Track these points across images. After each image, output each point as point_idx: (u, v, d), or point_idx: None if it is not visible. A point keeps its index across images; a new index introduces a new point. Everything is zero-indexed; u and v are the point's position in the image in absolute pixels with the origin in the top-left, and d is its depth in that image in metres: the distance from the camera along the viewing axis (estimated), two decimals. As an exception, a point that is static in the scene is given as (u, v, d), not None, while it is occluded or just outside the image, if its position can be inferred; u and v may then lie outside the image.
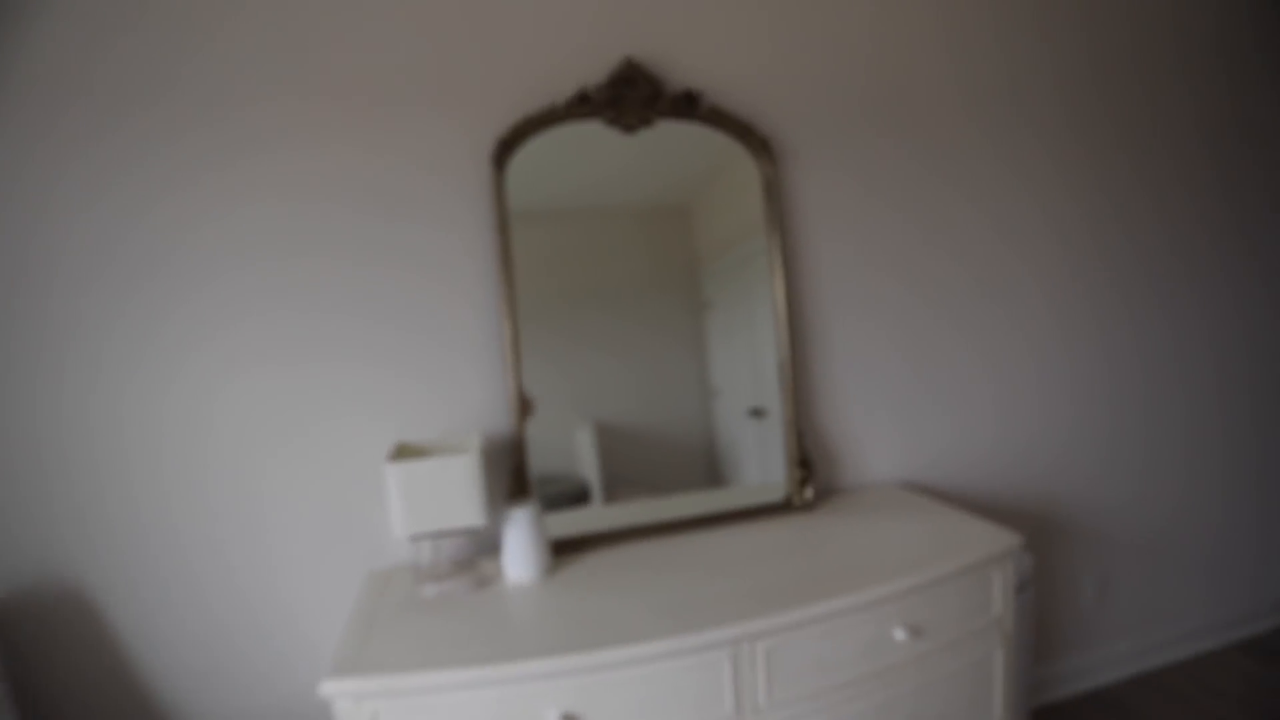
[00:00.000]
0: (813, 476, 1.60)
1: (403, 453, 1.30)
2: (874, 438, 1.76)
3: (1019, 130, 1.85)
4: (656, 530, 1.50)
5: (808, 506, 1.59)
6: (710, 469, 1.60)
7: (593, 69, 1.47)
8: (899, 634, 1.20)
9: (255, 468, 1.36)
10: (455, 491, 1.20)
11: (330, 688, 0.98)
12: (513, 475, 1.42)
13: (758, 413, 1.62)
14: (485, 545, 1.41)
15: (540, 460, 1.45)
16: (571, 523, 1.45)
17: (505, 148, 1.40)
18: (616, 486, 1.52)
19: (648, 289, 1.56)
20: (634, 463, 1.54)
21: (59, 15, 1.21)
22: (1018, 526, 1.89)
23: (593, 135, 1.47)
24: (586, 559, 1.40)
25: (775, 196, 1.58)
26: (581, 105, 1.44)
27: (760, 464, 1.62)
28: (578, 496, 1.51)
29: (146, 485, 1.32)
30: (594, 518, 1.48)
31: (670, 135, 1.51)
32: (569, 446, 1.51)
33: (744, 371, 1.63)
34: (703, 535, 1.49)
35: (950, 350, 1.83)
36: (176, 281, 1.31)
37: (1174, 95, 2.03)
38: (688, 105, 1.50)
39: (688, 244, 1.58)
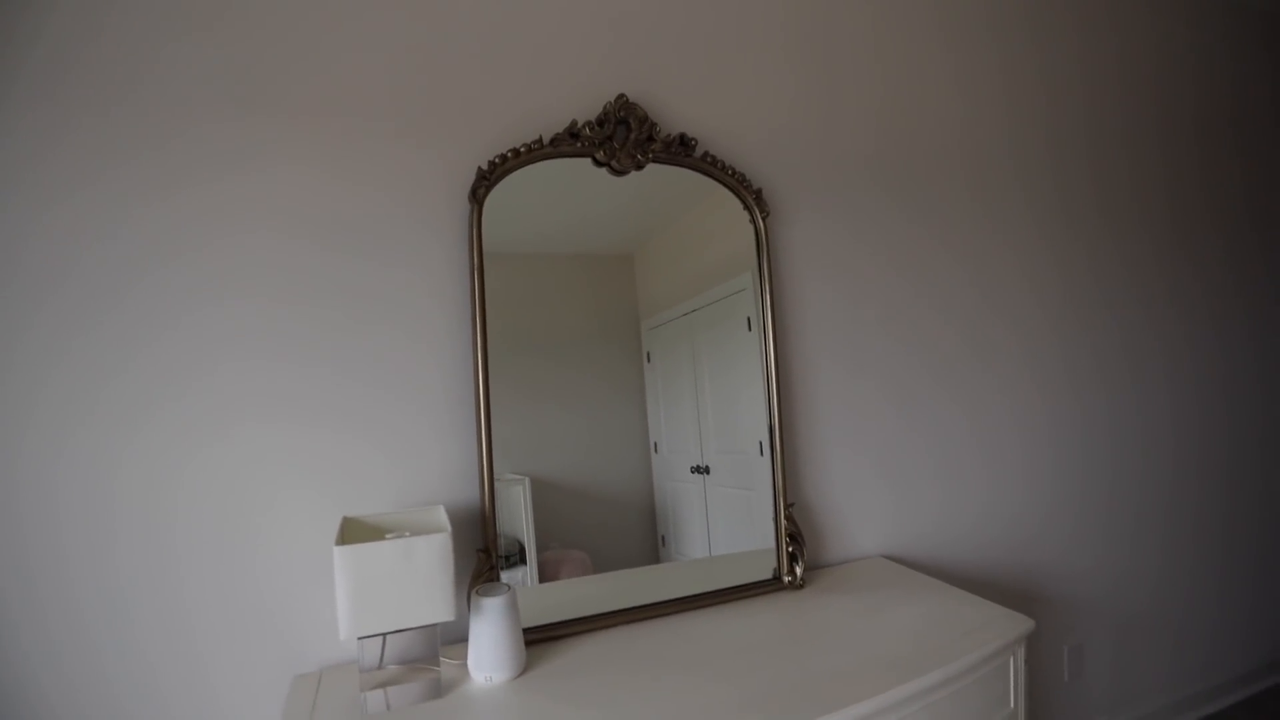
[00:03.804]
0: (802, 552, 1.48)
1: (351, 531, 1.08)
2: (860, 508, 1.67)
3: (1012, 199, 1.89)
4: (638, 612, 1.32)
5: (798, 586, 1.46)
6: (653, 531, 1.45)
7: (585, 105, 1.36)
8: (923, 740, 1.07)
9: (168, 550, 1.11)
10: (419, 580, 0.99)
11: None
12: (479, 554, 1.22)
13: (703, 469, 1.50)
14: (445, 635, 1.20)
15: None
16: (546, 608, 1.26)
17: (485, 182, 1.25)
18: (552, 547, 1.34)
19: (598, 338, 1.41)
20: (570, 521, 1.37)
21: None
22: (995, 598, 1.84)
23: (573, 175, 1.35)
24: (561, 652, 1.20)
25: (765, 248, 1.50)
26: (571, 141, 1.32)
27: (724, 526, 1.49)
28: (509, 557, 1.33)
29: (49, 574, 1.05)
30: (572, 601, 1.30)
31: (652, 180, 1.41)
32: (502, 503, 1.32)
33: (696, 426, 1.50)
34: (689, 619, 1.33)
35: (940, 412, 1.78)
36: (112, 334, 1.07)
37: (1153, 180, 2.15)
38: (682, 149, 1.41)
39: (645, 292, 1.45)
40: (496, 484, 1.27)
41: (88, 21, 1.06)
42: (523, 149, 1.28)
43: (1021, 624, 1.25)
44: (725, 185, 1.47)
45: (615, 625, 1.30)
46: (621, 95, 1.36)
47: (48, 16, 1.04)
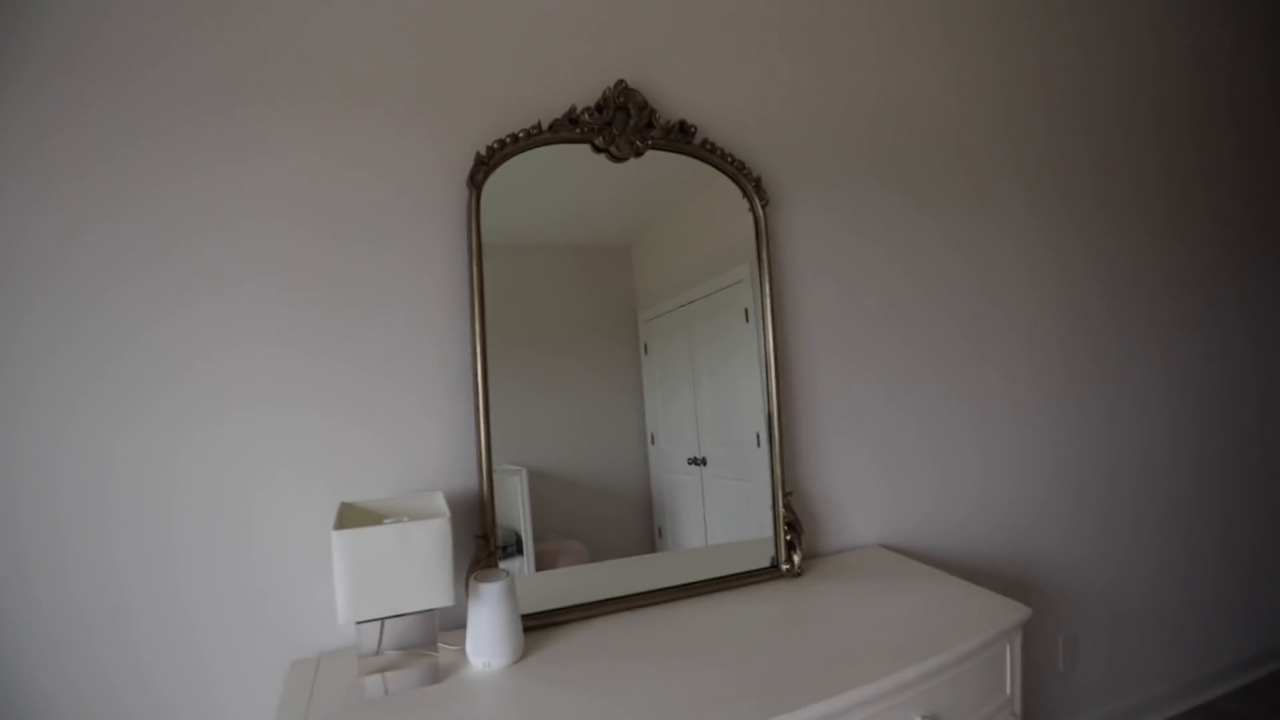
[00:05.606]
0: (800, 541, 1.48)
1: (349, 517, 1.08)
2: (858, 497, 1.67)
3: (1010, 190, 1.89)
4: (636, 599, 1.32)
5: (796, 574, 1.46)
6: (650, 522, 1.44)
7: (583, 91, 1.35)
8: (919, 726, 1.07)
9: (164, 537, 1.10)
10: (417, 565, 0.99)
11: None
12: (477, 541, 1.22)
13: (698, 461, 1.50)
14: (443, 621, 1.20)
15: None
16: (543, 596, 1.26)
17: (483, 167, 1.25)
18: (549, 538, 1.34)
19: (595, 330, 1.39)
20: (567, 512, 1.37)
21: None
22: (992, 587, 1.85)
23: (571, 163, 1.34)
24: (559, 638, 1.20)
25: (764, 237, 1.50)
26: (571, 127, 1.31)
27: (721, 518, 1.49)
28: (506, 548, 1.33)
29: (45, 563, 1.04)
30: (569, 589, 1.29)
31: (650, 170, 1.40)
32: (499, 494, 1.30)
33: (693, 418, 1.49)
34: (687, 606, 1.33)
35: (938, 402, 1.78)
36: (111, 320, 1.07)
37: (1151, 170, 2.15)
38: (682, 136, 1.41)
39: (642, 284, 1.43)
40: (494, 475, 1.26)
41: (89, 13, 1.05)
42: (521, 134, 1.27)
43: (1017, 612, 1.25)
44: (724, 172, 1.46)
45: (613, 612, 1.30)
46: (621, 81, 1.35)
47: (49, 8, 1.03)
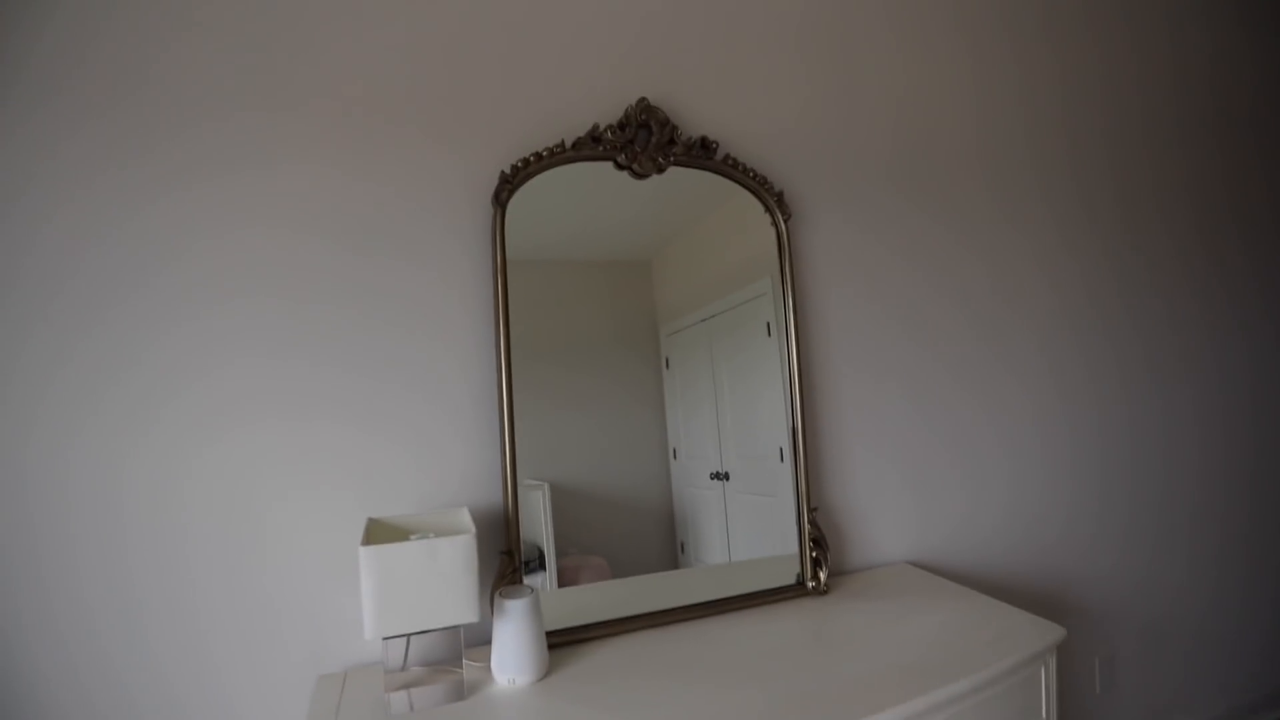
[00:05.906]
0: (826, 558, 1.46)
1: (376, 532, 1.09)
2: (884, 512, 1.64)
3: (1032, 199, 1.86)
4: (661, 617, 1.32)
5: (822, 591, 1.44)
6: (672, 537, 1.43)
7: (606, 108, 1.37)
8: (952, 749, 1.05)
9: (185, 552, 1.12)
10: (443, 581, 0.99)
11: None
12: (502, 557, 1.22)
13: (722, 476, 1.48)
14: (468, 638, 1.20)
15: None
16: (567, 612, 1.26)
17: (508, 185, 1.26)
18: (571, 553, 1.33)
19: (616, 344, 1.39)
20: (589, 527, 1.36)
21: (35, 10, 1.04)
22: (1023, 606, 1.81)
23: (593, 179, 1.35)
24: (584, 655, 1.20)
25: (787, 251, 1.49)
26: (593, 145, 1.32)
27: (744, 533, 1.47)
28: (529, 563, 1.33)
29: (60, 578, 1.06)
30: (593, 605, 1.29)
31: (671, 185, 1.41)
32: (521, 508, 1.30)
33: (715, 433, 1.48)
34: (711, 624, 1.32)
35: (961, 414, 1.75)
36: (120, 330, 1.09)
37: (1174, 178, 2.11)
38: (703, 152, 1.41)
39: (663, 298, 1.43)
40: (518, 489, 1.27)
41: (97, 17, 1.07)
42: (545, 152, 1.28)
43: (1051, 632, 1.22)
44: (746, 188, 1.46)
45: (638, 630, 1.29)
46: (643, 98, 1.36)
47: (48, 13, 1.06)
